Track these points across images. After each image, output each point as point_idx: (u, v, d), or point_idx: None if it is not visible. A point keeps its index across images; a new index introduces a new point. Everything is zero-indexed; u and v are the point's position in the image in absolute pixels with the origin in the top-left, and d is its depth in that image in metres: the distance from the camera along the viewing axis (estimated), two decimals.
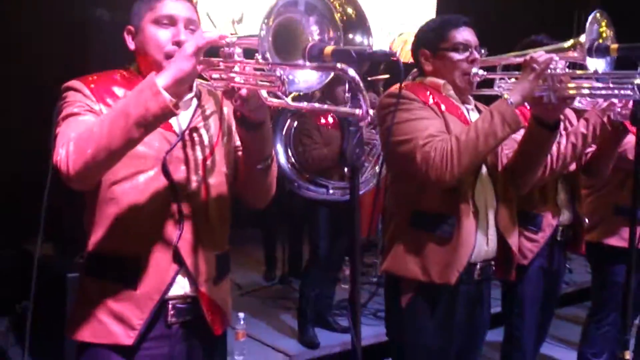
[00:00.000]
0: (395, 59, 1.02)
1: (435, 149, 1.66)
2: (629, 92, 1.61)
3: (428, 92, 1.82)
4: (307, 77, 1.18)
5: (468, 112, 1.90)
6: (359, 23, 1.09)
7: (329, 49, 1.12)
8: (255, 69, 1.16)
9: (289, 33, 1.18)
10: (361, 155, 1.06)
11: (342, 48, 1.11)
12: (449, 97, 1.86)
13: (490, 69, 1.89)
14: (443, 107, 1.80)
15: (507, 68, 1.96)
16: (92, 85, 1.35)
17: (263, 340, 3.39)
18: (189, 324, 1.40)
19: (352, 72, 1.04)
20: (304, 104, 1.18)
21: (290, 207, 4.09)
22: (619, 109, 2.18)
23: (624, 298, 1.67)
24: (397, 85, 1.42)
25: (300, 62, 1.17)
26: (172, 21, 1.36)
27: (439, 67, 1.86)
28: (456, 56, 1.82)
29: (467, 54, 1.82)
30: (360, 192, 3.35)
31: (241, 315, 3.17)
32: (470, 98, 1.96)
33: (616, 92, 1.66)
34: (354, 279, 1.08)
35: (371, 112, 1.05)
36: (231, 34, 1.22)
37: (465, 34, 1.83)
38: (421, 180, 1.72)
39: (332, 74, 1.18)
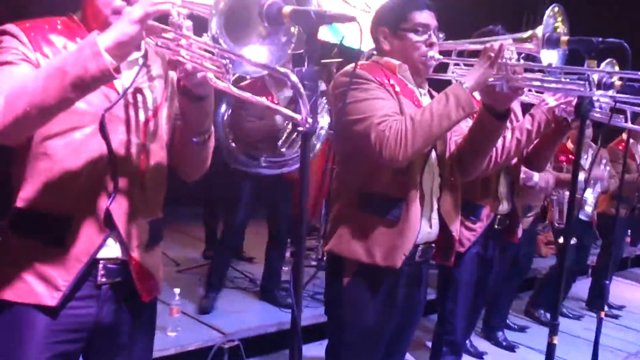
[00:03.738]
0: (355, 22, 0.99)
1: (390, 128, 1.65)
2: (578, 87, 1.65)
3: (383, 73, 1.80)
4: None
5: (421, 96, 1.90)
6: None
7: (287, 8, 1.08)
8: (204, 49, 1.12)
9: (243, 12, 1.14)
10: (315, 122, 1.03)
11: (302, 8, 1.07)
12: (404, 80, 1.86)
13: (445, 54, 1.90)
14: (398, 89, 1.79)
15: (461, 55, 1.97)
16: (30, 32, 1.25)
17: (198, 317, 3.33)
18: (118, 285, 1.35)
19: (293, 77, 1.03)
20: (248, 95, 1.14)
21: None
22: (563, 106, 2.25)
23: (556, 284, 1.72)
24: (353, 65, 1.39)
25: (252, 47, 1.15)
26: None
27: (397, 47, 1.85)
28: (415, 37, 1.81)
29: (426, 36, 1.82)
30: (291, 168, 3.39)
31: (176, 291, 3.10)
32: (425, 82, 1.96)
33: (567, 86, 1.69)
34: (299, 247, 1.05)
35: (310, 120, 1.04)
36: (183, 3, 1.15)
37: (425, 16, 1.82)
38: (374, 160, 1.71)
39: (285, 58, 1.17)
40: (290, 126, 3.33)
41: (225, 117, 3.41)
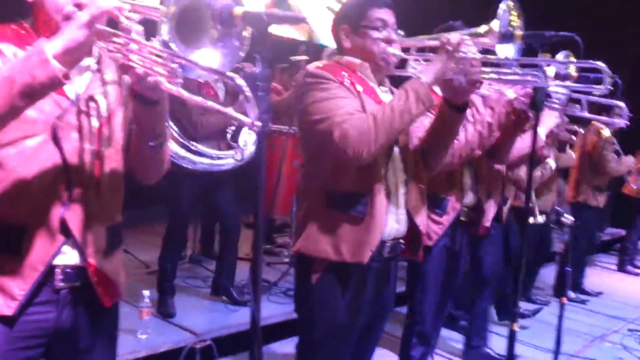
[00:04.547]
0: (305, 22, 1.00)
1: (353, 126, 1.67)
2: (534, 78, 1.69)
3: (344, 72, 1.82)
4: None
5: (382, 94, 1.92)
6: None
7: (239, 10, 1.08)
8: (154, 54, 1.11)
9: (195, 15, 1.14)
10: (269, 121, 1.04)
11: (253, 11, 1.07)
12: (365, 78, 1.87)
13: (405, 50, 1.92)
14: (359, 88, 1.81)
15: (421, 51, 1.99)
16: None
17: (168, 319, 3.31)
18: (78, 290, 1.34)
19: (240, 80, 1.03)
20: (198, 99, 1.13)
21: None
22: (522, 98, 2.30)
23: (514, 274, 1.76)
24: (313, 64, 1.41)
25: (204, 50, 1.15)
26: None
27: (358, 44, 1.87)
28: (375, 34, 1.83)
29: (385, 33, 1.84)
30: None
31: (146, 293, 3.07)
32: (386, 80, 1.98)
33: (522, 77, 1.73)
34: (257, 244, 1.05)
35: (258, 123, 1.03)
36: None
37: (384, 14, 1.84)
38: (338, 158, 1.72)
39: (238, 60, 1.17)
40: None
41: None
